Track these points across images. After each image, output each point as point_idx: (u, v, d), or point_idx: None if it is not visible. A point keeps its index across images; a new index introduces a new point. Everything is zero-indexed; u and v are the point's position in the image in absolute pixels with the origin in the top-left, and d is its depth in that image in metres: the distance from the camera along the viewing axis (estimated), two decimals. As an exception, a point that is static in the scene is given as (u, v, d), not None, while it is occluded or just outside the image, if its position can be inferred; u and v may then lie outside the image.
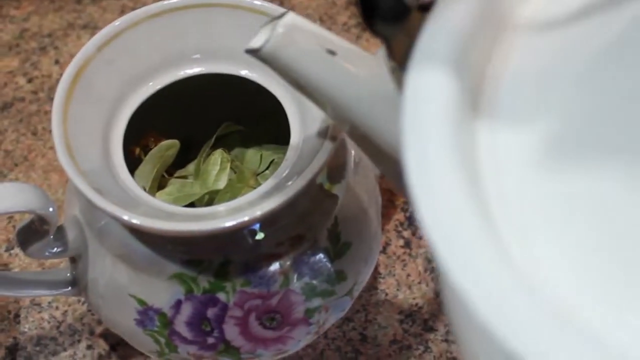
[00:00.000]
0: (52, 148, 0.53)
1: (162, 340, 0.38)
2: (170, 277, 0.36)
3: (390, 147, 0.28)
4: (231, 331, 0.38)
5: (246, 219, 0.33)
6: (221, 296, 0.36)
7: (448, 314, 0.23)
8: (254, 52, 0.29)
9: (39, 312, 0.47)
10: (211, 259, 0.36)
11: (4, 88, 0.55)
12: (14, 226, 0.50)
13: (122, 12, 0.58)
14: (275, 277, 0.37)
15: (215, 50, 0.38)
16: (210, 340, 0.38)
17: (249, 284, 0.36)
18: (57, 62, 0.56)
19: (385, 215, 0.49)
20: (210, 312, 0.37)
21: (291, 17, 0.29)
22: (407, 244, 0.49)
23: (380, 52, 0.37)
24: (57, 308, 0.47)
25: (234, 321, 0.37)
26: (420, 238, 0.49)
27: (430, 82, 0.21)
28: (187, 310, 0.37)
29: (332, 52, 0.28)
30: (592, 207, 0.19)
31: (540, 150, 0.20)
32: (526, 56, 0.22)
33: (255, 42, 0.29)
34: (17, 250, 0.49)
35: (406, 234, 0.49)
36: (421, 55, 0.21)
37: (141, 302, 0.37)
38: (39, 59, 0.57)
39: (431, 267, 0.48)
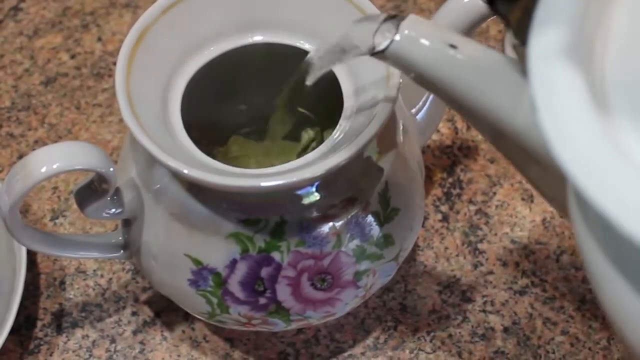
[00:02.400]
0: (95, 122, 0.54)
1: (215, 300, 0.39)
2: (227, 237, 0.37)
3: (519, 133, 0.29)
4: (283, 291, 0.39)
5: (307, 176, 0.34)
6: (276, 256, 0.37)
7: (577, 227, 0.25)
8: (378, 54, 0.31)
9: (84, 279, 0.48)
10: (267, 218, 0.37)
11: (48, 64, 0.56)
12: (58, 197, 0.51)
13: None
14: (329, 237, 0.38)
15: (279, 21, 0.39)
16: (262, 300, 0.39)
17: (303, 244, 0.37)
18: (99, 39, 0.57)
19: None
20: (264, 272, 0.38)
21: (413, 17, 0.31)
22: (445, 218, 0.50)
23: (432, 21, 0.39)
24: (101, 276, 0.48)
25: (287, 281, 0.38)
26: (457, 213, 0.50)
27: (550, 41, 0.23)
28: (241, 269, 0.38)
29: (453, 46, 0.30)
30: None
31: None
32: (632, 15, 0.24)
33: (379, 45, 0.31)
34: (61, 219, 0.50)
35: (444, 208, 0.50)
36: (541, 21, 0.24)
37: (196, 261, 0.38)
38: (82, 36, 0.58)
39: (468, 241, 0.49)
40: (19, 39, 0.58)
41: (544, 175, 0.31)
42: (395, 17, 0.32)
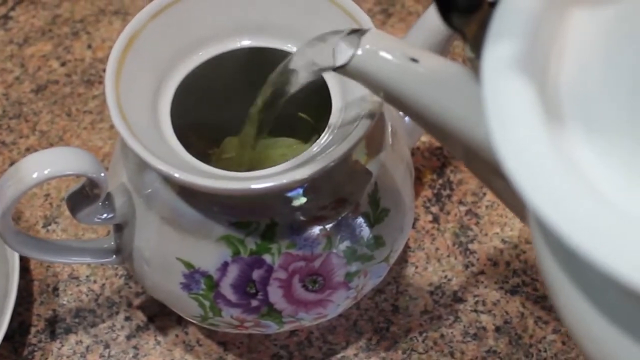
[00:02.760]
0: (86, 129, 0.54)
1: (207, 303, 0.39)
2: (218, 240, 0.37)
3: (481, 147, 0.29)
4: (275, 293, 0.39)
5: (297, 178, 0.34)
6: (267, 258, 0.38)
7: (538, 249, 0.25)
8: (340, 69, 0.31)
9: (77, 285, 0.49)
10: (258, 220, 0.37)
11: (38, 71, 0.57)
12: (50, 204, 0.51)
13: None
14: (319, 239, 0.38)
15: (266, 25, 0.39)
16: (254, 303, 0.39)
17: (294, 246, 0.38)
18: (89, 46, 0.58)
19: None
20: (256, 274, 0.38)
21: (375, 31, 0.31)
22: (436, 219, 0.50)
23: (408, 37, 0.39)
24: (94, 281, 0.49)
25: (278, 283, 0.38)
26: (448, 214, 0.50)
27: (503, 54, 0.23)
28: (233, 272, 0.38)
29: (414, 60, 0.30)
30: None
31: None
32: (587, 28, 0.24)
33: (340, 59, 0.31)
34: (54, 226, 0.51)
35: (434, 209, 0.50)
36: (496, 34, 0.23)
37: (188, 265, 0.38)
38: (72, 43, 0.58)
39: (459, 242, 0.49)
40: (9, 47, 0.58)
41: (507, 188, 0.31)
42: (356, 32, 0.31)
